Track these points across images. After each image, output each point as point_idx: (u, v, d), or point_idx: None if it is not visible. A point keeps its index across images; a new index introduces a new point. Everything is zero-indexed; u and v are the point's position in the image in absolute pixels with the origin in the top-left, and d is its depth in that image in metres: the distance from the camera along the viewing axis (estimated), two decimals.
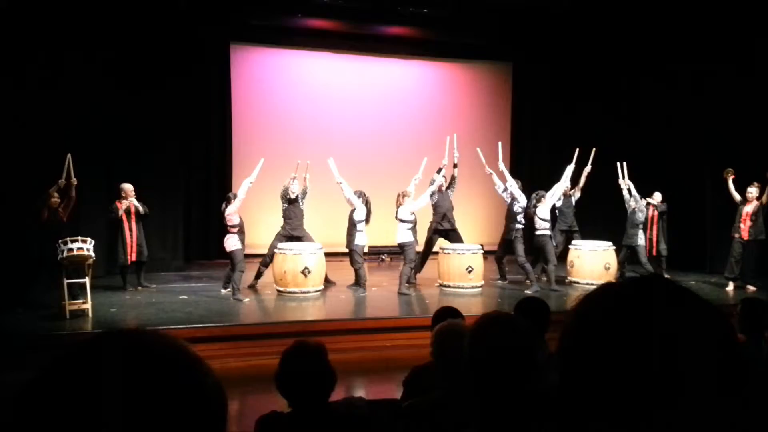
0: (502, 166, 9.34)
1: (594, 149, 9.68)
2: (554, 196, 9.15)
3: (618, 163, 9.71)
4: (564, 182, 9.36)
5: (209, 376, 0.65)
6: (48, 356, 0.63)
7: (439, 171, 9.18)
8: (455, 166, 9.36)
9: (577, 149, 9.48)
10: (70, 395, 0.57)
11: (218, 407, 0.65)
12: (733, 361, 0.65)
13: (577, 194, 9.89)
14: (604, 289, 0.72)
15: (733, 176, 9.17)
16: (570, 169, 9.40)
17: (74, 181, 7.81)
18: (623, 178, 9.70)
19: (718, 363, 0.64)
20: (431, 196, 9.10)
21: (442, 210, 9.24)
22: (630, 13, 10.74)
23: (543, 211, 8.94)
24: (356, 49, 12.07)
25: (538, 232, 8.96)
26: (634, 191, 9.58)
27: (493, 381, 1.81)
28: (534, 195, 9.17)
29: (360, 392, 5.59)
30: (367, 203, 8.66)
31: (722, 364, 0.64)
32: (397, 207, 8.73)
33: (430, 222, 9.38)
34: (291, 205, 8.84)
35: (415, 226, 8.73)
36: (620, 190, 9.69)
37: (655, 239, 9.93)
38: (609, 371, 0.64)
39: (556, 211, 9.74)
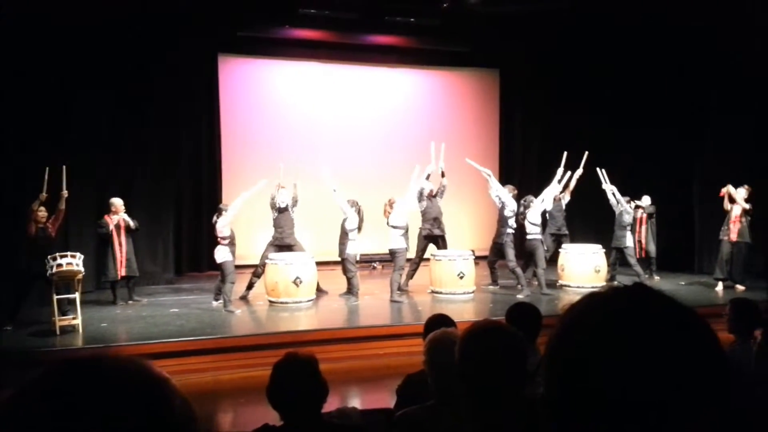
0: (489, 177, 9.31)
1: (586, 153, 9.73)
2: (545, 201, 9.19)
3: (598, 169, 9.76)
4: (554, 186, 9.40)
5: (176, 397, 0.64)
6: (36, 374, 0.63)
7: (427, 178, 9.25)
8: (443, 174, 9.39)
9: (566, 153, 9.52)
10: (32, 426, 0.57)
11: (186, 428, 0.64)
12: (716, 369, 0.66)
13: (566, 198, 9.93)
14: (588, 298, 0.73)
15: (727, 194, 9.20)
16: (560, 173, 9.45)
17: (65, 193, 7.69)
18: (605, 183, 9.78)
19: (701, 372, 0.65)
20: (419, 201, 9.14)
21: (432, 216, 9.28)
22: (616, 16, 10.83)
23: (533, 215, 8.98)
24: (344, 58, 12.09)
25: (528, 237, 8.99)
26: (618, 195, 9.65)
27: (485, 389, 1.82)
28: (522, 201, 9.22)
29: (353, 402, 5.58)
30: (359, 212, 8.68)
31: (705, 373, 0.65)
32: (386, 216, 8.76)
33: (420, 228, 9.40)
34: (281, 214, 8.84)
35: (407, 232, 8.75)
36: (606, 194, 9.77)
37: (644, 241, 10.02)
38: (591, 381, 0.65)
39: (546, 215, 9.78)
